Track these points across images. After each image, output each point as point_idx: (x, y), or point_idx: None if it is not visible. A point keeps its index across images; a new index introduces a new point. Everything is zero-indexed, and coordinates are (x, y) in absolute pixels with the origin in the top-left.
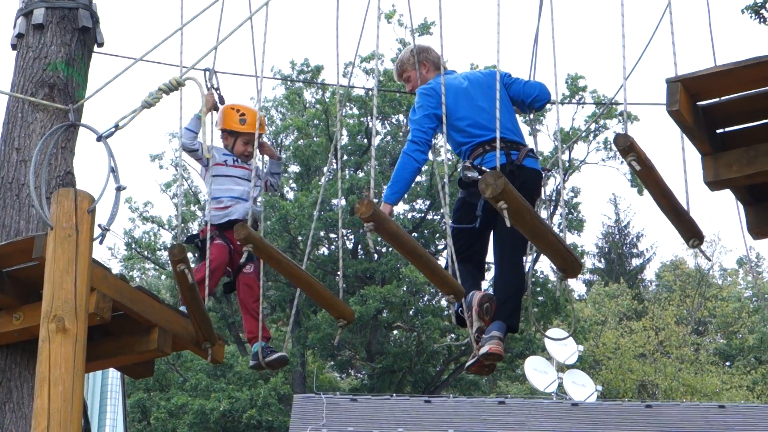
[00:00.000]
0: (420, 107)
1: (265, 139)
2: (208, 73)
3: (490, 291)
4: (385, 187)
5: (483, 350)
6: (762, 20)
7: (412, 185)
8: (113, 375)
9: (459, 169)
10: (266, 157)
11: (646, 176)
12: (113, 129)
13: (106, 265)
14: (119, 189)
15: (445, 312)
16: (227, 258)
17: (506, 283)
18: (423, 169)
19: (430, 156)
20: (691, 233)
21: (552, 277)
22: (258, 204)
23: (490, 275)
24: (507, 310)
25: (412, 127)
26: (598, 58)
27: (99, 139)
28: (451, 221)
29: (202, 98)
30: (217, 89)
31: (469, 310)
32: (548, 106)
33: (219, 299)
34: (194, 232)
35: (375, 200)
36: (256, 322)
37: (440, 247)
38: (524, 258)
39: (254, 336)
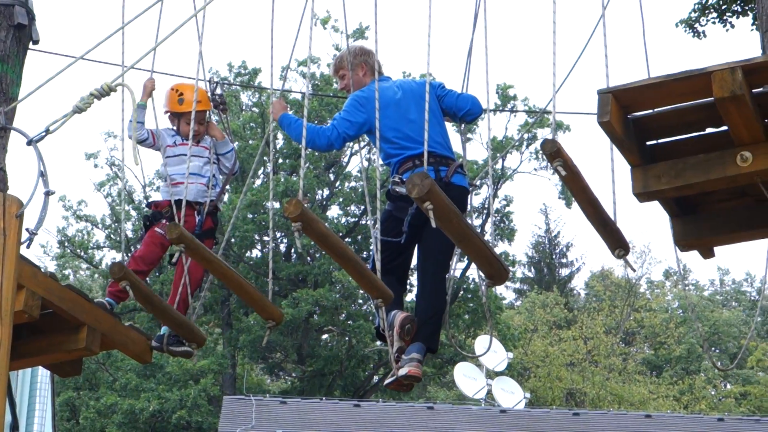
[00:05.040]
0: (347, 112)
1: (214, 118)
2: (210, 82)
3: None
4: (318, 191)
5: (402, 372)
6: (696, 34)
7: (346, 190)
8: (42, 373)
9: (389, 179)
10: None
11: (572, 182)
12: (44, 133)
13: (37, 263)
14: (48, 194)
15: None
16: (159, 254)
17: (428, 304)
18: (357, 174)
19: (365, 163)
20: (617, 243)
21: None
22: (215, 187)
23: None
24: (427, 331)
25: (332, 124)
26: (531, 68)
27: (29, 143)
28: (376, 233)
29: (132, 102)
30: (220, 95)
31: (390, 330)
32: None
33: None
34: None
35: (306, 204)
36: (184, 305)
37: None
38: (447, 275)
39: None
